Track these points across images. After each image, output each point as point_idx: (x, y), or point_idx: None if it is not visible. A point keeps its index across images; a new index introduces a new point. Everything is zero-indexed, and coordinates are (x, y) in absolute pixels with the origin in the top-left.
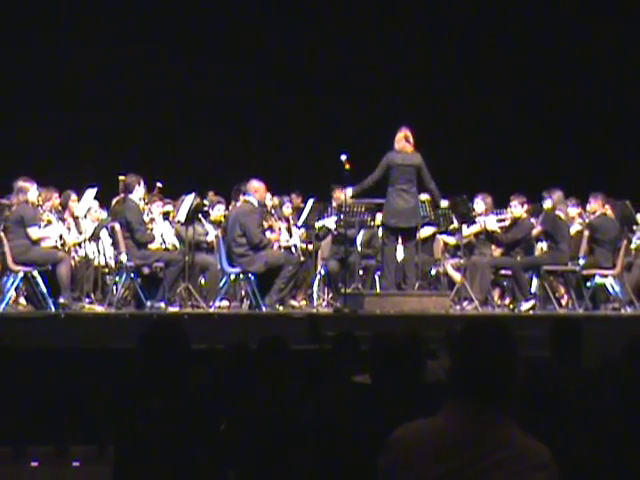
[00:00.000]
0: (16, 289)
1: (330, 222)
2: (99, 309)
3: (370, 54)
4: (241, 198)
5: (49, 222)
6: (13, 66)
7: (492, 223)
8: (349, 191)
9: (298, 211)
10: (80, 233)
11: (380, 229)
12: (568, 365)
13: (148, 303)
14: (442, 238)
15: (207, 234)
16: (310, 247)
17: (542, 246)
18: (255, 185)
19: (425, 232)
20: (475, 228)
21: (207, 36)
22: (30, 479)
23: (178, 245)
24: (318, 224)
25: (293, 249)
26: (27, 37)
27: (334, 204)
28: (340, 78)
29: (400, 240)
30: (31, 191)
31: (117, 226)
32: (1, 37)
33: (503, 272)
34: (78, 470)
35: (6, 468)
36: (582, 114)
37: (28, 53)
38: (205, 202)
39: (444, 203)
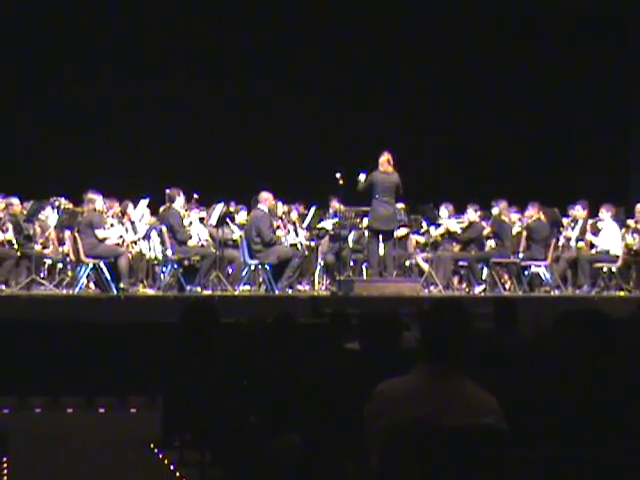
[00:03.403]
0: (87, 277)
1: (328, 224)
2: (150, 292)
3: (355, 94)
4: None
5: (112, 225)
6: (85, 103)
7: (453, 225)
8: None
9: (303, 216)
10: (136, 233)
11: (366, 231)
12: (508, 334)
13: (188, 287)
14: (414, 237)
15: (233, 234)
16: (312, 244)
17: (491, 243)
18: (264, 195)
19: (401, 232)
20: (440, 230)
21: (227, 70)
22: (98, 422)
23: (211, 242)
24: (319, 225)
25: (299, 245)
26: (91, 72)
27: (331, 211)
28: (336, 116)
29: (381, 239)
30: (98, 201)
31: (164, 228)
32: (72, 73)
33: (461, 263)
34: (135, 415)
35: (79, 413)
36: (524, 143)
37: (97, 90)
38: (231, 209)
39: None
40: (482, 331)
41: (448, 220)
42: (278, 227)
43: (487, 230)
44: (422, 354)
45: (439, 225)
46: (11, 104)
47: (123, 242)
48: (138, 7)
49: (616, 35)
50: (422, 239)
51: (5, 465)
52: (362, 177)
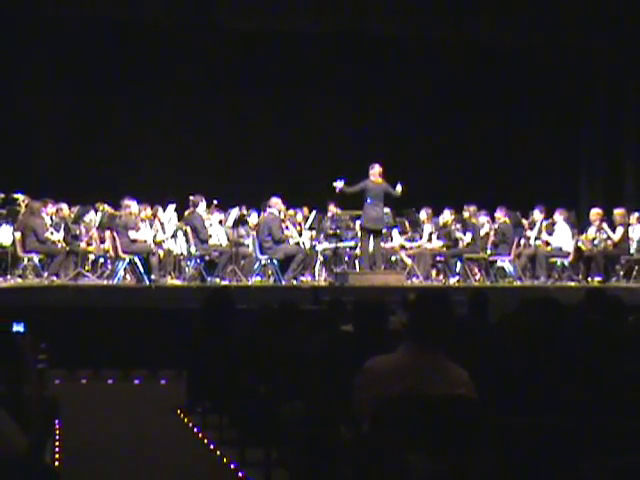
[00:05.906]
0: (124, 270)
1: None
2: (177, 283)
3: (349, 117)
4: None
5: (143, 228)
6: (120, 128)
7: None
8: (340, 184)
9: (306, 219)
10: (164, 233)
11: (359, 231)
12: (479, 319)
13: (208, 279)
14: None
15: (246, 239)
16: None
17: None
18: (274, 200)
19: (394, 240)
20: (420, 242)
21: (244, 93)
22: (133, 393)
23: (227, 241)
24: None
25: (302, 243)
26: (122, 95)
27: (329, 214)
28: (333, 134)
29: (372, 237)
30: (132, 206)
31: (188, 229)
32: (104, 95)
33: (438, 258)
34: (164, 386)
35: (117, 384)
36: (491, 156)
37: (134, 116)
38: (244, 212)
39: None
40: (456, 316)
41: (428, 223)
42: (287, 227)
43: (459, 234)
44: (409, 335)
45: (419, 226)
46: (64, 127)
47: (154, 240)
48: (162, 24)
49: (567, 53)
50: (408, 244)
51: (57, 427)
52: (340, 183)
